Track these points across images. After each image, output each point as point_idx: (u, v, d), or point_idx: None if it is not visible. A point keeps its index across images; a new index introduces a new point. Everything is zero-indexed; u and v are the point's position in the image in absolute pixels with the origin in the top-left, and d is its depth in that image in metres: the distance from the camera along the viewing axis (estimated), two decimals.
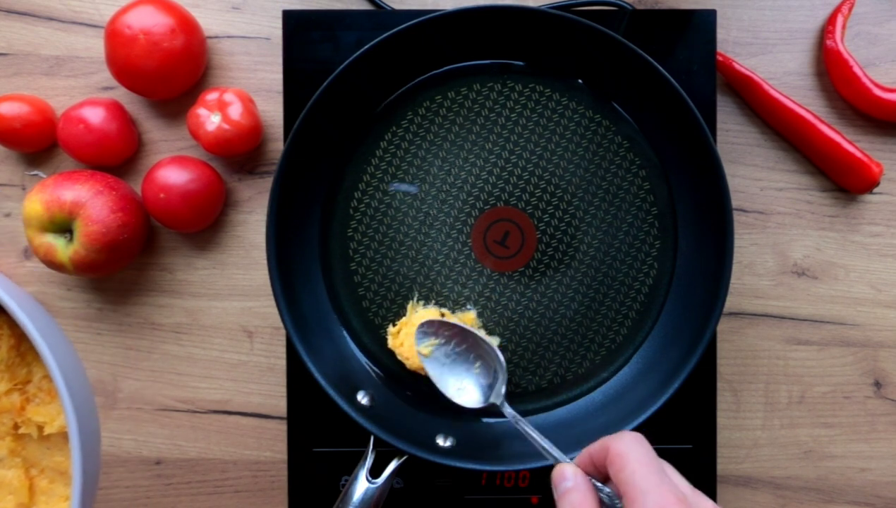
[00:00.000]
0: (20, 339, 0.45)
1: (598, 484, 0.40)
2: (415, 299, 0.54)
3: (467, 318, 0.54)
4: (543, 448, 0.44)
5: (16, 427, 0.45)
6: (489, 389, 0.50)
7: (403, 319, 0.53)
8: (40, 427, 0.45)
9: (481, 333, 0.51)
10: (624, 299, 0.54)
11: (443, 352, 0.50)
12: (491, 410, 0.53)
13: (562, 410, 0.54)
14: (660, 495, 0.35)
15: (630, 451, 0.38)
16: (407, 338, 0.53)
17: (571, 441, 0.50)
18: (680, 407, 0.54)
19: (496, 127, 0.54)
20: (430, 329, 0.50)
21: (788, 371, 0.59)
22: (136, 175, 0.58)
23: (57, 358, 0.40)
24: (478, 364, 0.50)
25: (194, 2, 0.57)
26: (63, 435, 0.45)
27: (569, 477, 0.40)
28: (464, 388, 0.50)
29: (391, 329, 0.53)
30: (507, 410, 0.48)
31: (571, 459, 0.42)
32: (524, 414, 0.54)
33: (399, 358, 0.53)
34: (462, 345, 0.50)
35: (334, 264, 0.54)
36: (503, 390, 0.49)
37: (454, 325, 0.50)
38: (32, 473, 0.46)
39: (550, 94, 0.54)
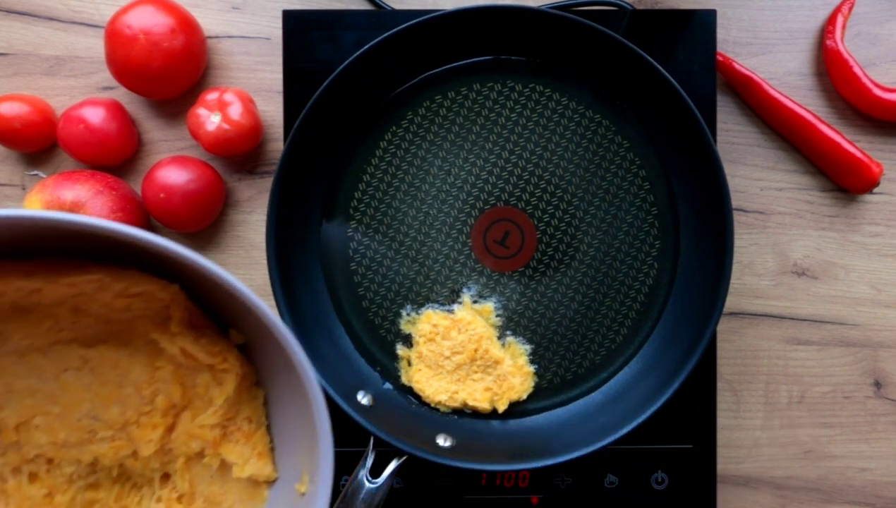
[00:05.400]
0: (243, 378, 0.45)
1: None
2: (413, 322, 0.54)
3: (485, 311, 0.54)
4: None
5: (200, 455, 0.45)
6: None
7: (414, 350, 0.53)
8: (225, 465, 0.44)
9: None
10: (624, 299, 0.54)
11: None
12: (494, 412, 0.53)
13: (562, 410, 0.54)
14: None
15: None
16: (417, 372, 0.53)
17: (571, 441, 0.50)
18: (680, 407, 0.54)
19: (496, 127, 0.54)
20: None
21: (788, 371, 0.59)
22: (136, 175, 0.58)
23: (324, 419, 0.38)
24: None
25: (194, 2, 0.57)
26: (238, 481, 0.45)
27: None
28: None
29: (402, 362, 0.54)
30: None
31: None
32: (524, 414, 0.54)
33: (416, 391, 0.53)
34: None
35: (334, 264, 0.54)
36: None
37: None
38: (181, 489, 0.46)
39: (550, 94, 0.54)
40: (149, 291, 0.42)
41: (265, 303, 0.36)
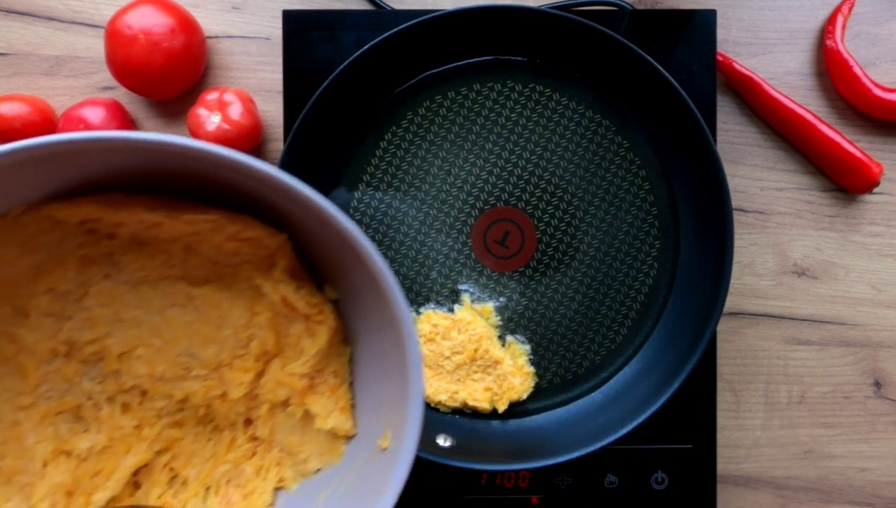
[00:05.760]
0: (336, 331, 0.45)
1: None
2: (418, 317, 0.54)
3: (485, 311, 0.54)
4: None
5: (286, 403, 0.46)
6: None
7: None
8: (307, 414, 0.45)
9: None
10: (624, 299, 0.54)
11: None
12: (494, 412, 0.53)
13: (562, 410, 0.54)
14: None
15: None
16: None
17: (571, 441, 0.50)
18: (680, 407, 0.54)
19: (496, 127, 0.54)
20: None
21: (788, 371, 0.59)
22: None
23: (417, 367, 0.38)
24: None
25: (194, 2, 0.57)
26: (317, 434, 0.46)
27: None
28: None
29: None
30: None
31: None
32: (524, 414, 0.54)
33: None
34: None
35: None
36: None
37: None
38: (261, 435, 0.47)
39: (550, 94, 0.54)
40: (258, 237, 0.43)
41: (377, 252, 0.37)
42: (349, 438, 0.45)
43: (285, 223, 0.43)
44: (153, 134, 0.35)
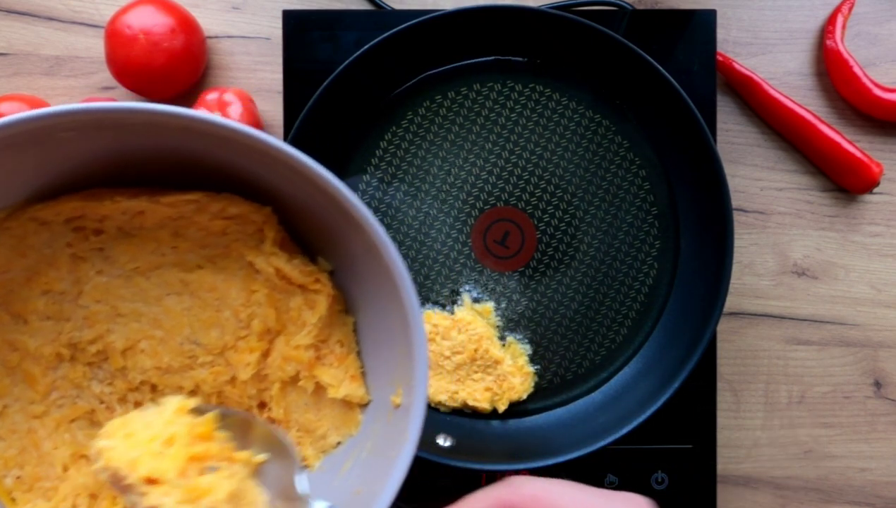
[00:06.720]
0: (334, 300, 0.46)
1: None
2: None
3: (485, 311, 0.54)
4: None
5: (295, 379, 0.46)
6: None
7: None
8: (318, 387, 0.46)
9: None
10: (624, 299, 0.54)
11: None
12: (494, 412, 0.53)
13: (562, 410, 0.54)
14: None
15: (548, 487, 0.35)
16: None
17: (571, 441, 0.50)
18: (680, 407, 0.54)
19: (496, 127, 0.54)
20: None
21: (788, 371, 0.59)
22: None
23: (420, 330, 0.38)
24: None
25: (194, 2, 0.57)
26: (329, 401, 0.46)
27: None
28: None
29: None
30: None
31: None
32: (524, 414, 0.54)
33: None
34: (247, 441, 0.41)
35: None
36: (301, 483, 0.39)
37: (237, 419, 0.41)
38: (277, 416, 0.47)
39: (550, 94, 0.54)
40: (243, 213, 0.44)
41: (372, 215, 0.37)
42: (364, 406, 0.46)
43: (271, 197, 0.43)
44: (136, 103, 0.35)
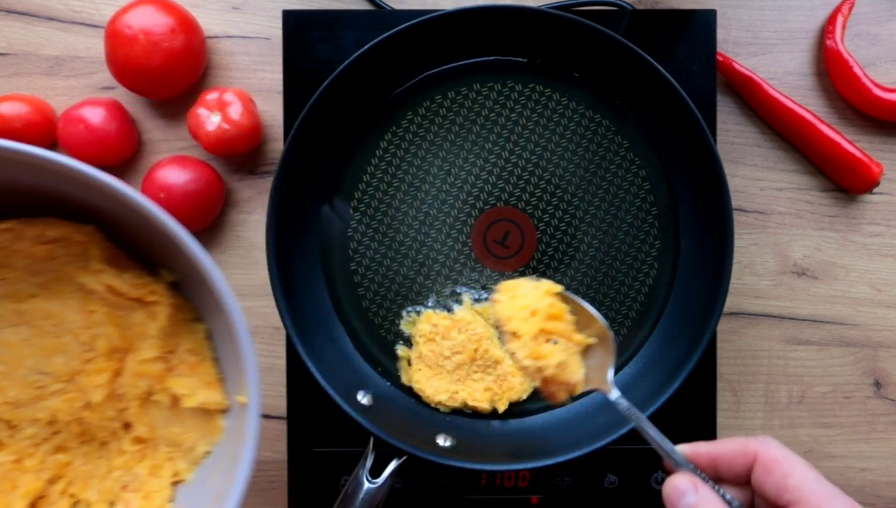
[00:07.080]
0: (176, 309, 0.46)
1: (722, 491, 0.37)
2: (413, 322, 0.54)
3: (485, 311, 0.54)
4: (661, 447, 0.41)
5: (149, 393, 0.46)
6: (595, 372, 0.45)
7: (414, 350, 0.53)
8: (175, 398, 0.46)
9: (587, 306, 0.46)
10: (624, 299, 0.54)
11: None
12: (494, 412, 0.53)
13: (562, 410, 0.54)
14: (842, 501, 0.35)
15: (789, 456, 0.38)
16: (417, 372, 0.53)
17: (571, 441, 0.50)
18: (680, 407, 0.54)
19: (496, 127, 0.54)
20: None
21: (788, 371, 0.59)
22: (136, 175, 0.58)
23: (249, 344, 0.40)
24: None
25: (194, 2, 0.57)
26: (191, 411, 0.46)
27: (690, 491, 0.37)
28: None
29: (402, 363, 0.54)
30: (617, 399, 0.43)
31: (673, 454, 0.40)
32: (524, 414, 0.54)
33: (416, 391, 0.53)
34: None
35: (334, 264, 0.54)
36: (611, 374, 0.44)
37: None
38: (143, 435, 0.47)
39: (550, 94, 0.54)
40: (65, 234, 0.44)
41: (190, 237, 0.39)
42: (224, 412, 0.46)
43: (95, 215, 0.43)
44: None
